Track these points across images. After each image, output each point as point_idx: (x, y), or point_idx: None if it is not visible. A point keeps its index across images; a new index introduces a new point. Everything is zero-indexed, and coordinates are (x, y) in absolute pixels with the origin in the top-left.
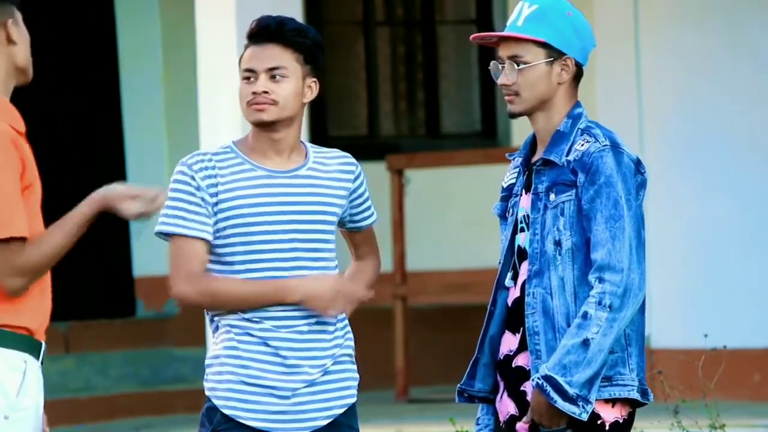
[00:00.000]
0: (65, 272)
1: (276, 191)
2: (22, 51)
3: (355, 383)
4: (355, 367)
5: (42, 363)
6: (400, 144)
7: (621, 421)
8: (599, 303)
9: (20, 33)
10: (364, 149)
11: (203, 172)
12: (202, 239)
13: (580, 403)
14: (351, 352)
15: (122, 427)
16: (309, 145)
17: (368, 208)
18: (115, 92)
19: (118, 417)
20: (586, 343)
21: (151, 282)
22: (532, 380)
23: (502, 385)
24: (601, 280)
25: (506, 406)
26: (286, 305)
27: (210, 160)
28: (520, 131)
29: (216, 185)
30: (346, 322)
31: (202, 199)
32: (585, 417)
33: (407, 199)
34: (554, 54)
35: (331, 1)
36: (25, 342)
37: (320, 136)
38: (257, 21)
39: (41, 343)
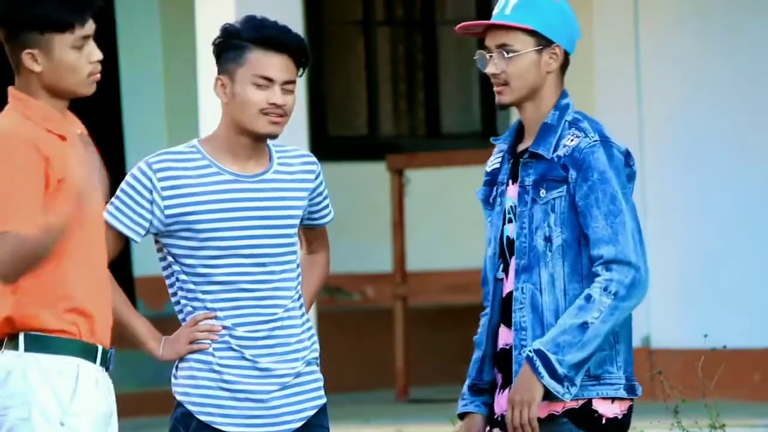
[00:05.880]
0: None
1: (241, 196)
2: (50, 77)
3: (322, 383)
4: (319, 369)
5: (107, 367)
6: (400, 144)
7: (620, 416)
8: (605, 289)
9: (48, 61)
10: (364, 149)
11: (164, 172)
12: (125, 236)
13: (566, 384)
14: (317, 355)
15: (122, 427)
16: (271, 144)
17: (326, 206)
18: (115, 92)
19: (118, 417)
20: (584, 326)
21: (151, 282)
22: (521, 353)
23: (500, 377)
24: (608, 268)
25: (505, 399)
26: (248, 307)
27: (175, 161)
28: None
29: (178, 187)
30: (311, 325)
31: (151, 202)
32: (568, 398)
33: (407, 199)
34: (543, 42)
35: (332, 1)
36: (77, 347)
37: (320, 136)
38: (269, 26)
39: (96, 347)
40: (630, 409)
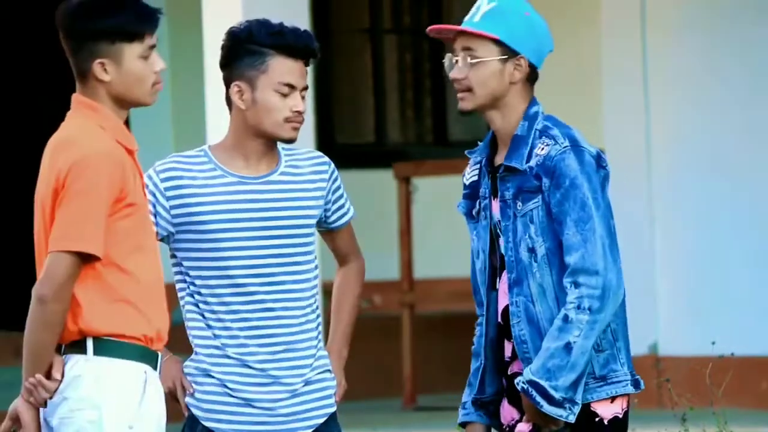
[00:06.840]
0: None
1: (246, 197)
2: (119, 87)
3: (333, 391)
4: (332, 375)
5: (160, 373)
6: (408, 152)
7: (621, 415)
8: (578, 307)
9: (118, 71)
10: (371, 157)
11: (168, 173)
12: None
13: (567, 406)
14: (327, 361)
15: None
16: (280, 147)
17: (342, 206)
18: None
19: None
20: (568, 347)
21: None
22: (517, 384)
23: (505, 383)
24: (576, 284)
25: (509, 411)
26: (256, 311)
27: (180, 163)
28: None
29: (181, 187)
30: (322, 329)
31: (155, 204)
32: (572, 419)
33: (414, 207)
34: (508, 52)
35: (339, 10)
36: (142, 353)
37: (327, 143)
38: (293, 34)
39: (158, 354)
40: (628, 406)
